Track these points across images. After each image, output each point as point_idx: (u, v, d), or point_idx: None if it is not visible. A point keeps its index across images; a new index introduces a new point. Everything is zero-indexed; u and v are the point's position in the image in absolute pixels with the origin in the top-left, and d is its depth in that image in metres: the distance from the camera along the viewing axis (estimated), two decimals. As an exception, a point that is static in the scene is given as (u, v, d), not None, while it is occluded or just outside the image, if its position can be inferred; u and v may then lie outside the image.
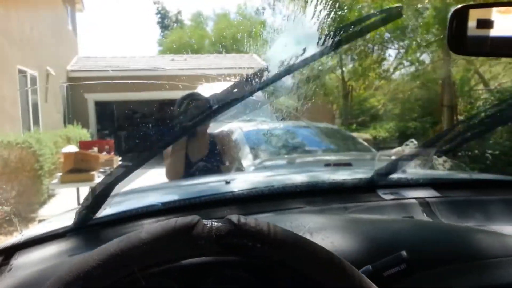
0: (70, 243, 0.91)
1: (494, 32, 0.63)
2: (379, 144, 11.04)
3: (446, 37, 0.59)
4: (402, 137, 10.04)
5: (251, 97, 0.91)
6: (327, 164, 3.73)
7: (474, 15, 0.64)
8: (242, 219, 0.56)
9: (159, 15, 29.04)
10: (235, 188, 1.26)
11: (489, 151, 5.23)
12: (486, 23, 0.62)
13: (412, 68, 11.15)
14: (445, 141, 1.44)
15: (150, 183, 1.69)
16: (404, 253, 0.65)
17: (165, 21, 28.77)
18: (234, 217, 0.56)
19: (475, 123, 1.34)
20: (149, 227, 0.55)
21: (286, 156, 4.42)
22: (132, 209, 1.03)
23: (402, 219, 1.02)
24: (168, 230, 0.54)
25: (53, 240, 0.92)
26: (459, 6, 0.62)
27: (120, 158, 6.03)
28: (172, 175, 2.12)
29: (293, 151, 4.67)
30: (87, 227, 0.96)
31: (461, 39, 0.62)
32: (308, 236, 0.72)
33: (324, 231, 0.77)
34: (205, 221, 0.56)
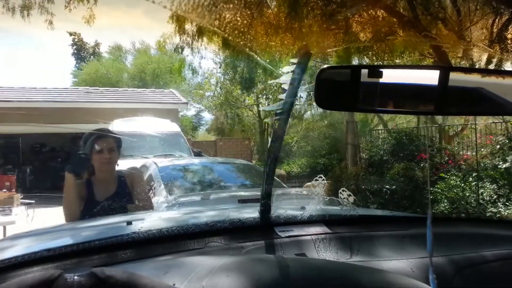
0: None
1: (360, 90, 0.72)
2: (291, 179, 11.48)
3: (314, 94, 0.67)
4: (312, 173, 10.54)
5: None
6: (242, 200, 3.79)
7: (341, 73, 0.73)
8: (107, 271, 0.54)
9: (74, 47, 27.98)
10: (136, 230, 1.23)
11: (387, 187, 5.70)
12: (349, 82, 0.70)
13: (320, 109, 11.91)
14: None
15: (52, 224, 1.59)
16: None
17: (81, 53, 27.75)
18: (98, 270, 0.54)
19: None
20: (3, 284, 0.52)
21: (201, 192, 4.41)
22: (17, 256, 0.96)
23: (293, 258, 1.07)
24: (22, 287, 0.50)
25: None
26: (325, 66, 0.71)
27: (21, 196, 5.57)
28: (68, 216, 2.02)
29: (209, 187, 4.66)
30: None
31: (328, 95, 0.70)
32: (194, 282, 0.73)
33: (212, 274, 0.77)
34: (67, 275, 0.53)
